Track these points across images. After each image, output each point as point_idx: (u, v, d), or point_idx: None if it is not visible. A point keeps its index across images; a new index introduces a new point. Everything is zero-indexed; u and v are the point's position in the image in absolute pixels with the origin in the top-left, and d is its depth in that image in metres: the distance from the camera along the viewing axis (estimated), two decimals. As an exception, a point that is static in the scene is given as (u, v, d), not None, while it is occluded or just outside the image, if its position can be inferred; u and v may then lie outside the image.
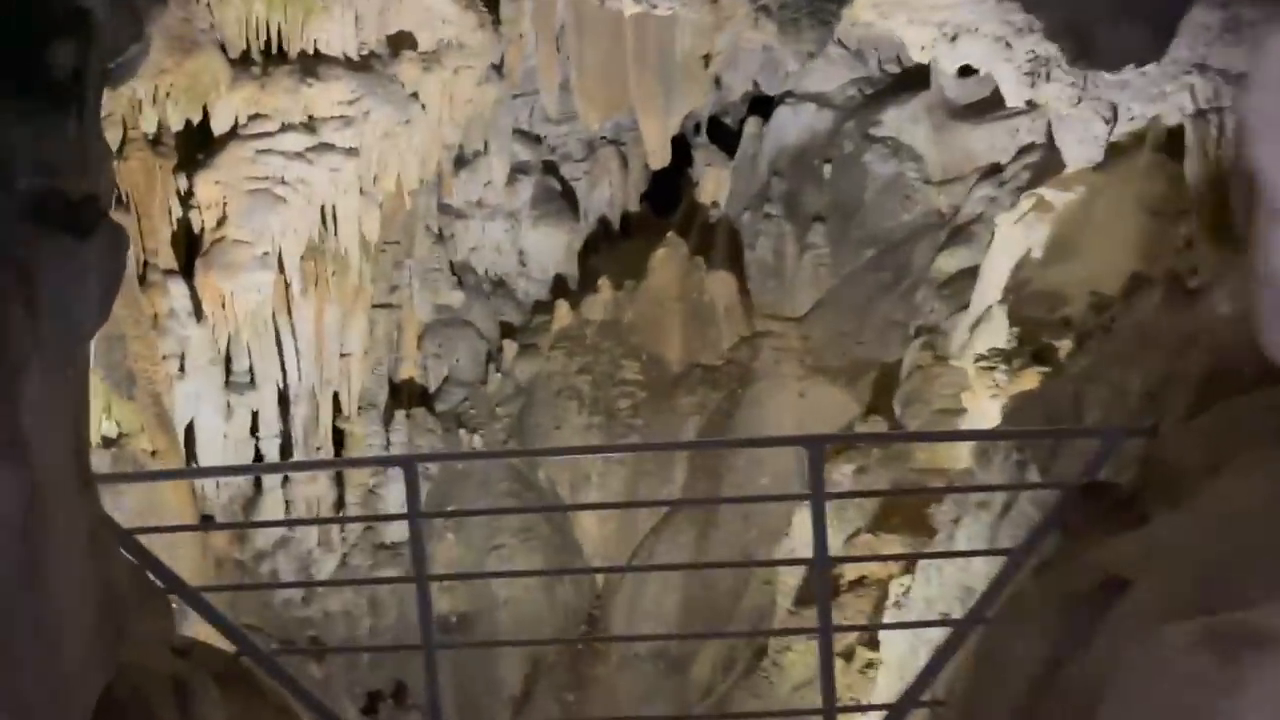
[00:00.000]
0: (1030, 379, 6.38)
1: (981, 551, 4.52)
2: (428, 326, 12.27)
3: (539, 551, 10.90)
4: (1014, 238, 9.04)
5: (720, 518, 10.87)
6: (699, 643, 10.23)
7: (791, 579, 9.24)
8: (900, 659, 5.54)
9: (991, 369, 6.82)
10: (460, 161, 12.52)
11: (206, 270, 8.64)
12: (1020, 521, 4.13)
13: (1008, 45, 7.63)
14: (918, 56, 12.49)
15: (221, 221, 8.70)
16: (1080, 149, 7.30)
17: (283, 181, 8.75)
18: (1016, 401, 5.64)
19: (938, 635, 5.24)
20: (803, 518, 9.40)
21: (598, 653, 10.51)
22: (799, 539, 9.30)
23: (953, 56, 8.31)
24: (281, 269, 9.10)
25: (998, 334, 7.88)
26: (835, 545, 9.06)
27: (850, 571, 8.63)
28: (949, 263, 11.25)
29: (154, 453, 7.63)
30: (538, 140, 13.97)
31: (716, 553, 10.67)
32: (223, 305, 8.72)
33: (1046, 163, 11.08)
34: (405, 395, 12.08)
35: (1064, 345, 6.63)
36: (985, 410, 6.88)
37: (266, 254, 8.76)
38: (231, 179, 8.58)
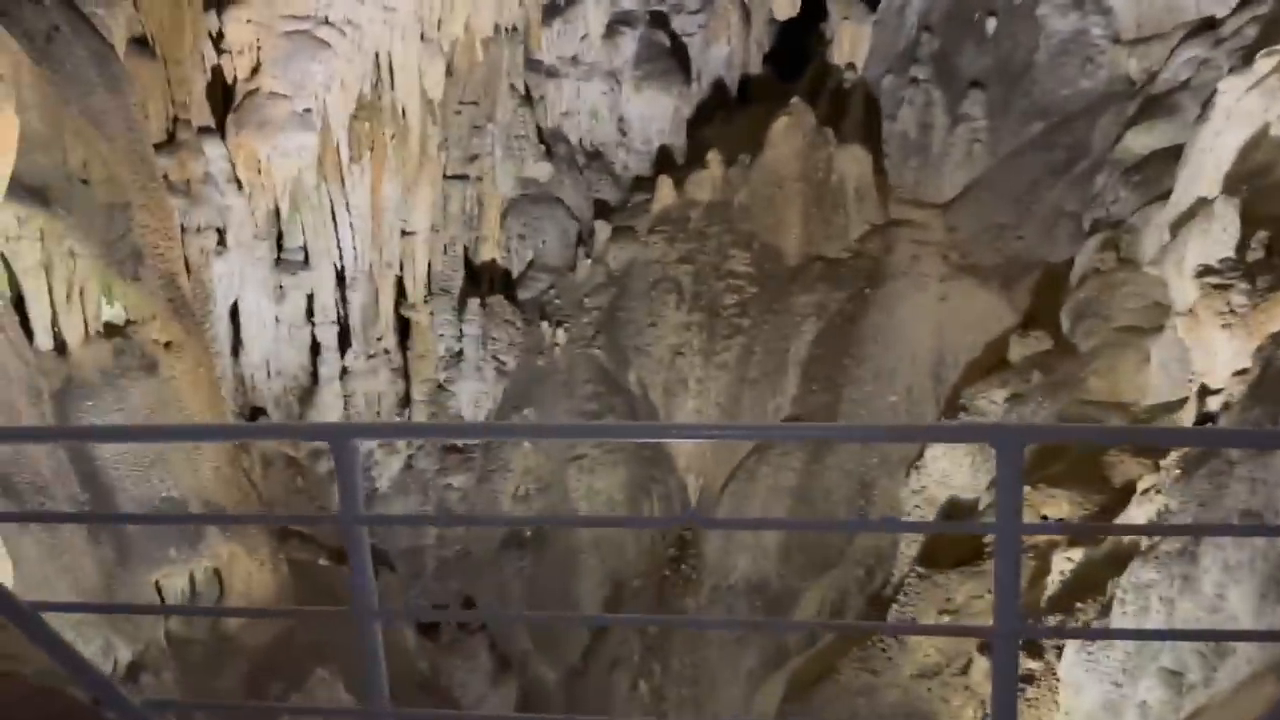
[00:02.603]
0: (1290, 306, 4.52)
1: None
2: (512, 202, 10.81)
3: (624, 465, 9.60)
4: (1245, 110, 6.93)
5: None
6: (802, 580, 8.85)
7: (920, 523, 7.68)
8: (1089, 715, 3.99)
9: (1224, 288, 4.97)
10: (552, 10, 10.79)
11: (238, 128, 7.33)
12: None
13: None
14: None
15: (255, 70, 7.32)
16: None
17: (326, 22, 7.28)
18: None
19: (1149, 694, 3.68)
20: (941, 449, 7.77)
21: (688, 582, 9.26)
22: (934, 474, 7.71)
23: None
24: (329, 129, 7.71)
25: (1223, 238, 5.94)
26: (977, 487, 7.44)
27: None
28: (1141, 141, 9.09)
29: (168, 344, 6.49)
30: (646, -14, 12.08)
31: (829, 477, 9.17)
32: (259, 171, 7.41)
33: (1284, 15, 8.72)
34: (486, 280, 10.76)
35: (1339, 259, 4.70)
36: (1210, 343, 5.07)
37: (308, 110, 7.37)
38: (265, 18, 7.14)
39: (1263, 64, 6.93)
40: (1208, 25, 9.29)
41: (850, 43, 11.60)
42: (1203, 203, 6.93)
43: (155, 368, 6.43)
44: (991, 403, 7.77)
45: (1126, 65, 10.02)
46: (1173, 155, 8.43)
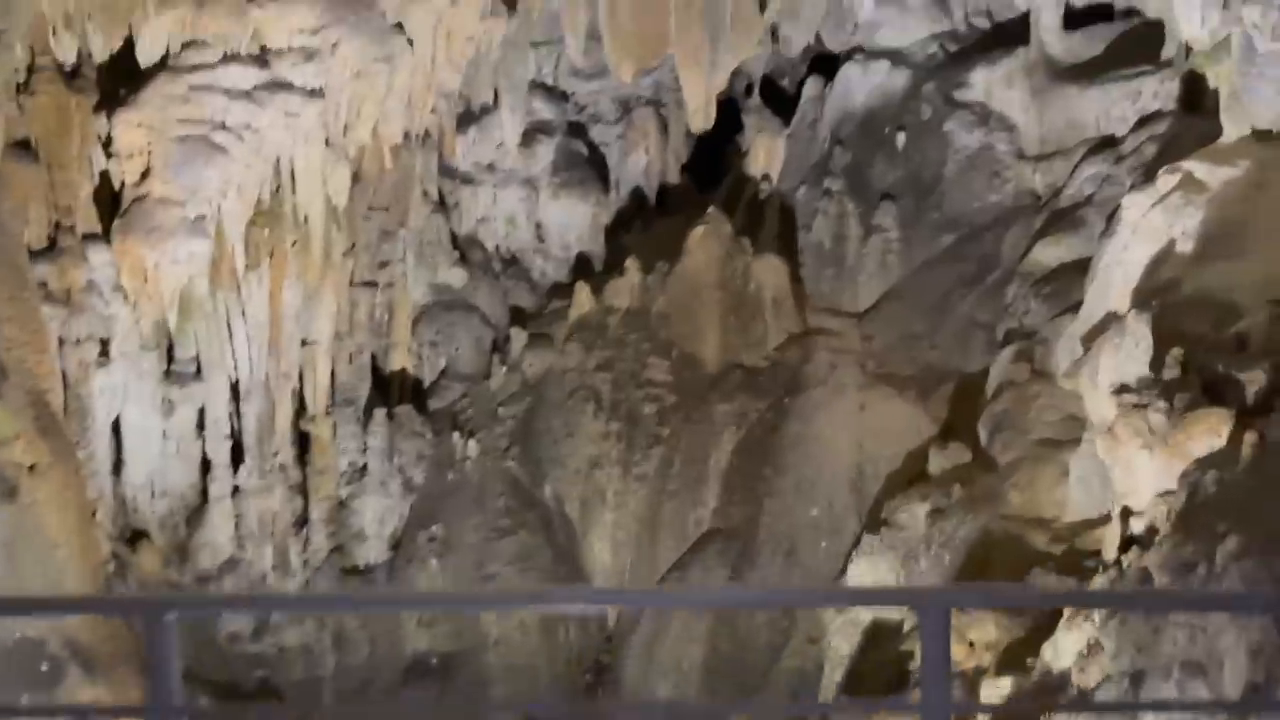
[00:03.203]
0: (1208, 427, 4.43)
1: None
2: (424, 309, 10.51)
3: (540, 584, 9.12)
4: (1150, 226, 7.04)
5: (759, 553, 9.03)
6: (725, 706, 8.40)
7: (845, 645, 7.38)
8: None
9: (1142, 407, 4.88)
10: (467, 117, 10.71)
11: (124, 235, 6.93)
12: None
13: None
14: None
15: (145, 175, 6.97)
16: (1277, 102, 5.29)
17: (223, 127, 7.00)
18: (1216, 470, 3.71)
19: None
20: (865, 566, 7.53)
21: (603, 716, 8.72)
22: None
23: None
24: (224, 236, 7.35)
25: (1136, 353, 5.90)
26: (901, 608, 7.16)
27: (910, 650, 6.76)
28: (1049, 254, 9.23)
29: (32, 467, 5.95)
30: (564, 97, 12.12)
31: (751, 595, 8.80)
32: (145, 279, 7.00)
33: (1178, 134, 9.01)
34: (396, 389, 10.35)
35: (1253, 378, 4.65)
36: (1130, 463, 4.95)
37: (201, 217, 7.02)
38: (157, 122, 6.84)
39: (1165, 180, 7.07)
40: (1108, 143, 9.57)
41: (765, 155, 11.73)
42: (1113, 317, 6.95)
43: (15, 493, 5.87)
44: (913, 517, 7.58)
45: (1032, 180, 10.26)
46: (1080, 268, 8.54)
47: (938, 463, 8.00)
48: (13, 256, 6.08)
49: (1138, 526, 5.12)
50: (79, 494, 6.37)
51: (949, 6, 11.68)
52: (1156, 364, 5.57)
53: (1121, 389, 5.22)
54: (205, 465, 8.58)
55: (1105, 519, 6.26)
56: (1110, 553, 5.20)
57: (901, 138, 10.92)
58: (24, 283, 6.13)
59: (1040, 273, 9.17)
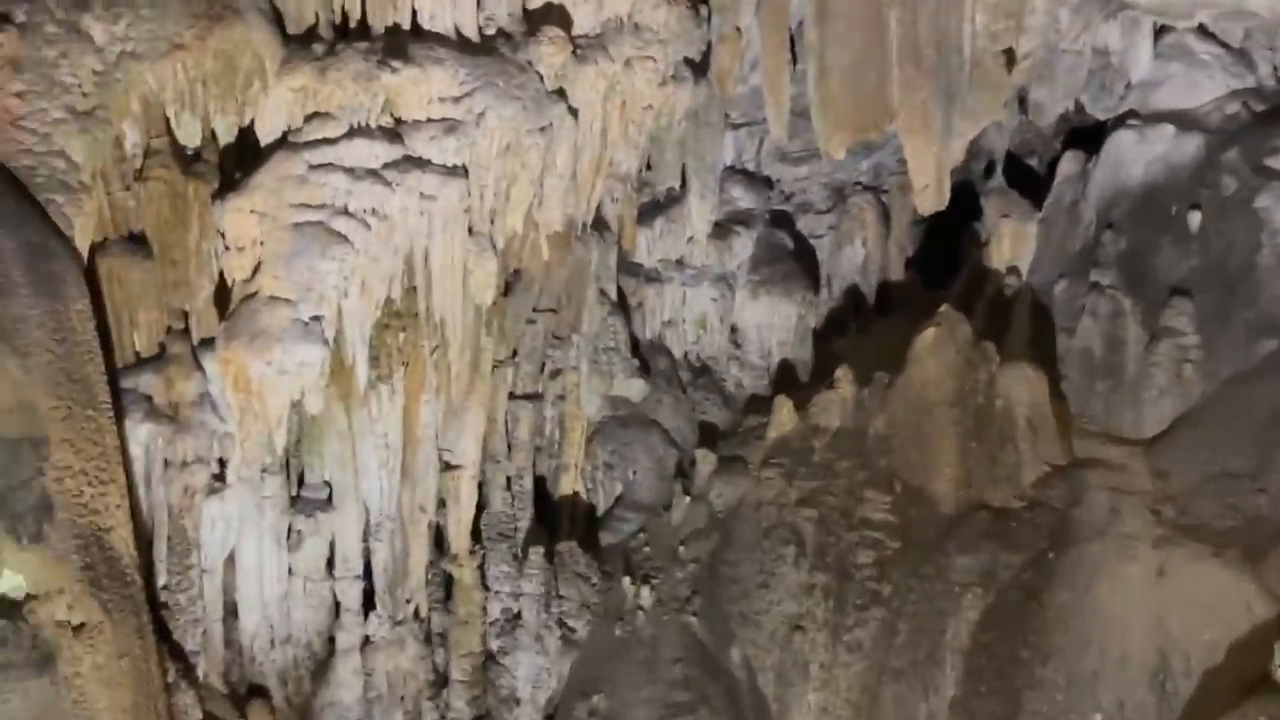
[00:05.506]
0: None
1: None
2: (598, 426, 9.07)
3: (722, 782, 7.20)
4: None
5: (1014, 761, 6.74)
6: None
7: None
8: None
9: None
10: (653, 207, 9.38)
11: (227, 340, 5.86)
12: None
13: None
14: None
15: (257, 269, 5.91)
16: None
17: (345, 212, 5.87)
18: None
19: None
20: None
21: None
22: None
23: None
24: (345, 341, 6.16)
25: None
26: None
27: None
28: None
29: (79, 627, 4.78)
30: (767, 183, 10.65)
31: (1007, 824, 6.52)
32: (250, 393, 5.86)
33: None
34: (565, 519, 8.89)
35: None
36: None
37: (317, 318, 5.86)
38: (270, 208, 5.80)
39: None
40: None
41: (1012, 243, 9.68)
42: None
43: (51, 662, 4.70)
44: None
45: (1383, 269, 7.72)
46: None
47: (1294, 669, 5.55)
48: (77, 367, 5.08)
49: None
50: (142, 662, 5.15)
51: (1251, 59, 9.39)
52: None
53: None
54: (337, 609, 7.34)
55: None
56: None
57: (1195, 218, 8.63)
58: (90, 398, 5.11)
59: None
